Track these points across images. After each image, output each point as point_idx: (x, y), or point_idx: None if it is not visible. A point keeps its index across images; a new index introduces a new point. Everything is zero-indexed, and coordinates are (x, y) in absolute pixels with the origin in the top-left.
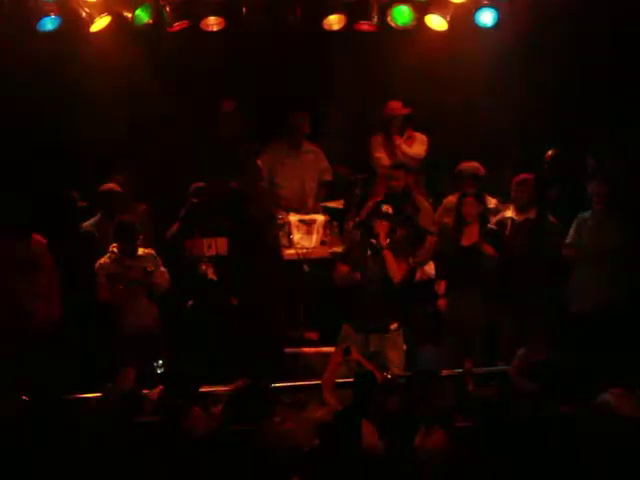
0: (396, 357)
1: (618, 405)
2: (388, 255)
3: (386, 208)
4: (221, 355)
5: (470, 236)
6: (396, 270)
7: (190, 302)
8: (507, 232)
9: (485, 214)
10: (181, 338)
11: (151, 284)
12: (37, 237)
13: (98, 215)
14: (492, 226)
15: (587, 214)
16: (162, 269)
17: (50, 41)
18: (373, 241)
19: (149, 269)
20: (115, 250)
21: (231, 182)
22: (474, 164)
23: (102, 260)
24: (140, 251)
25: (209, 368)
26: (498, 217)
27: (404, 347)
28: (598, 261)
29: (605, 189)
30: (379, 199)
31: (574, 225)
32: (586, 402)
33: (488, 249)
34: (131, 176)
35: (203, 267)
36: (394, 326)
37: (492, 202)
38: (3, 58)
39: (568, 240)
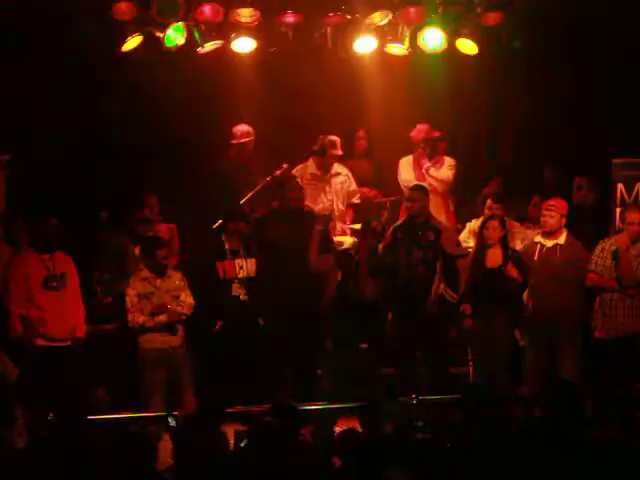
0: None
1: None
2: (362, 270)
3: (375, 225)
4: (250, 375)
5: (493, 259)
6: (366, 286)
7: (219, 323)
8: (536, 258)
9: (506, 238)
10: (209, 358)
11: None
12: (63, 254)
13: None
14: (514, 248)
15: (612, 240)
16: (187, 295)
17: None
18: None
19: (176, 293)
20: (144, 269)
21: (272, 202)
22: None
23: (131, 281)
24: (169, 272)
25: (237, 388)
26: (527, 242)
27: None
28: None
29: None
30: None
31: (596, 251)
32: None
33: (512, 271)
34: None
35: (236, 288)
36: (364, 346)
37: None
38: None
39: (592, 267)
